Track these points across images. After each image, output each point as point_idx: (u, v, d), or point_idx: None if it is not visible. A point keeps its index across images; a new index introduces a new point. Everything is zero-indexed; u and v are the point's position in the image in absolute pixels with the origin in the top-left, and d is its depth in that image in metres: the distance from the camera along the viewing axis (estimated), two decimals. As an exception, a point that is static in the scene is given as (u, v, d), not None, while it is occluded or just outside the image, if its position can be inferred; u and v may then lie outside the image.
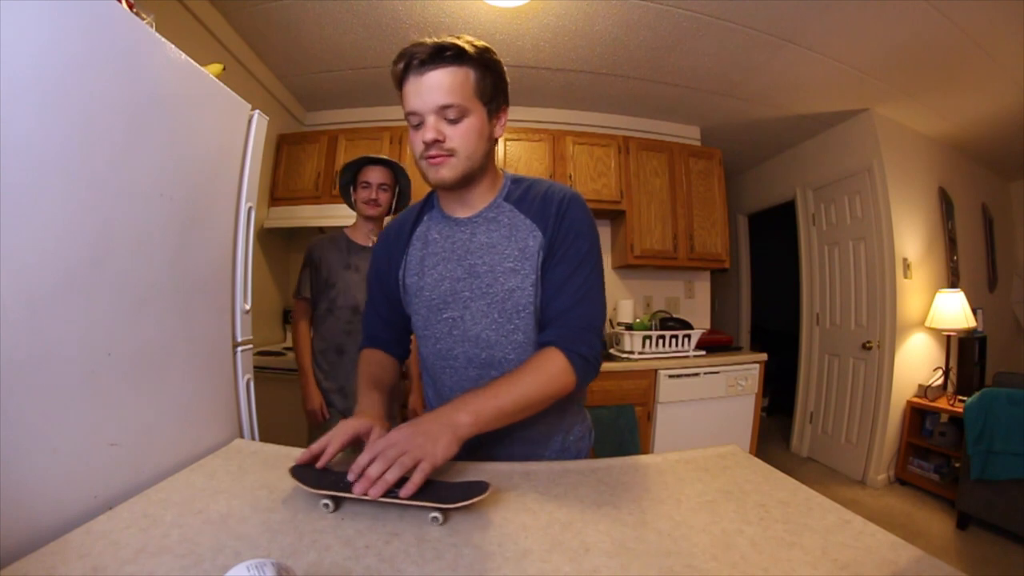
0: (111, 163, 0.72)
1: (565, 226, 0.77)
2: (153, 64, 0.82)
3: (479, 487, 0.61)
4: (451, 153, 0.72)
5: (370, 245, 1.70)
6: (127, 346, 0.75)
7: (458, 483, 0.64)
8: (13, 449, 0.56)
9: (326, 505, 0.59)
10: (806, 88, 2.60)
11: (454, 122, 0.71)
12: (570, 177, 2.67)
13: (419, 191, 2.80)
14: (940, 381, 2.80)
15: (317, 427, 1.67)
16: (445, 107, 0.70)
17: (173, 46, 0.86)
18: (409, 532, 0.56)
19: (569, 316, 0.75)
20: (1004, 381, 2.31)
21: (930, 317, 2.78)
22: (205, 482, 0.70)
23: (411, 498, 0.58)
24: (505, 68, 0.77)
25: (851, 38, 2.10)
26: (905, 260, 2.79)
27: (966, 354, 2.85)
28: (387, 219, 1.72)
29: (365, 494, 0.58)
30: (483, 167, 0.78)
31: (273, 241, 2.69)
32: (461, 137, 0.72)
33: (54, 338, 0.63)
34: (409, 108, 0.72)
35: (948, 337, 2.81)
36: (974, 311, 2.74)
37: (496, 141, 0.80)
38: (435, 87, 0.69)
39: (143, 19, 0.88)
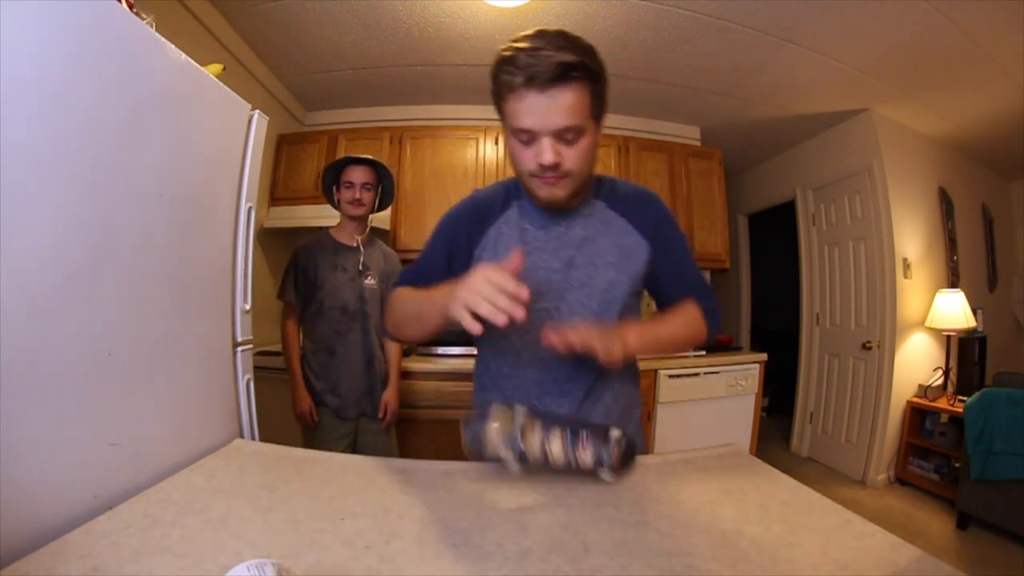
0: (111, 163, 0.72)
1: (663, 222, 0.85)
2: (153, 64, 0.82)
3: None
4: (567, 175, 0.70)
5: (355, 245, 1.71)
6: (127, 346, 0.75)
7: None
8: (13, 449, 0.56)
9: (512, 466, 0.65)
10: (806, 88, 2.60)
11: (571, 143, 0.68)
12: (570, 177, 2.67)
13: (406, 190, 2.74)
14: (940, 381, 2.80)
15: (307, 429, 1.68)
16: (565, 129, 0.66)
17: (173, 46, 0.86)
18: (409, 532, 0.56)
19: (694, 286, 0.86)
20: (1004, 381, 2.31)
21: (930, 317, 2.78)
22: (205, 482, 0.70)
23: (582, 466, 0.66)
24: (607, 72, 0.74)
25: (851, 38, 2.10)
26: (905, 260, 2.79)
27: (966, 354, 2.85)
28: (370, 217, 1.77)
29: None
30: (588, 177, 0.77)
31: (273, 241, 2.68)
32: (578, 158, 0.70)
33: (54, 338, 0.63)
34: (522, 125, 0.67)
35: (948, 337, 2.81)
36: (974, 311, 2.74)
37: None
38: (558, 109, 0.64)
39: (143, 19, 0.88)
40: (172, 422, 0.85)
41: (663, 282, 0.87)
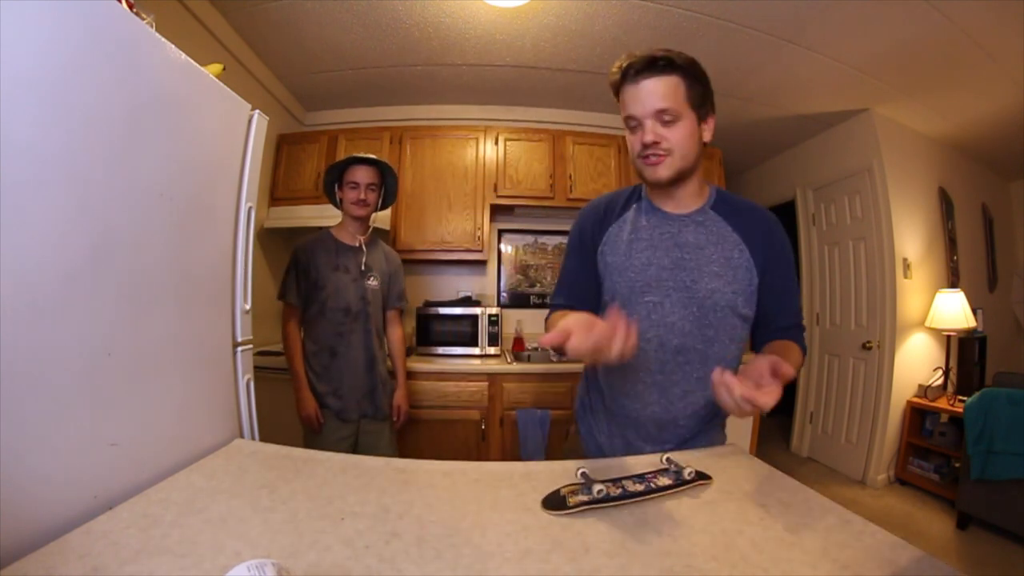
0: (111, 163, 0.72)
1: (777, 246, 0.89)
2: (153, 64, 0.82)
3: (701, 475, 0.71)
4: (667, 153, 0.80)
5: (357, 245, 1.68)
6: (127, 346, 0.75)
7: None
8: (13, 449, 0.56)
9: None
10: (806, 88, 2.59)
11: (669, 123, 0.79)
12: (570, 177, 2.67)
13: (406, 190, 2.75)
14: (940, 381, 2.80)
15: (312, 432, 1.66)
16: (661, 111, 0.78)
17: (173, 46, 0.86)
18: (409, 532, 0.56)
19: (795, 318, 0.91)
20: (1004, 381, 2.31)
21: (930, 317, 2.78)
22: (205, 482, 0.70)
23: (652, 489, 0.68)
24: (706, 77, 0.84)
25: (851, 38, 2.10)
26: (905, 260, 2.79)
27: (966, 354, 2.85)
28: (372, 216, 1.74)
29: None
30: (693, 168, 0.85)
31: (273, 241, 2.69)
32: (676, 138, 0.80)
33: (55, 338, 0.63)
34: (627, 113, 0.82)
35: (948, 337, 2.81)
36: (974, 311, 2.74)
37: (704, 145, 0.86)
38: (651, 93, 0.78)
39: (143, 19, 0.88)
40: (172, 422, 0.85)
41: (764, 304, 0.89)
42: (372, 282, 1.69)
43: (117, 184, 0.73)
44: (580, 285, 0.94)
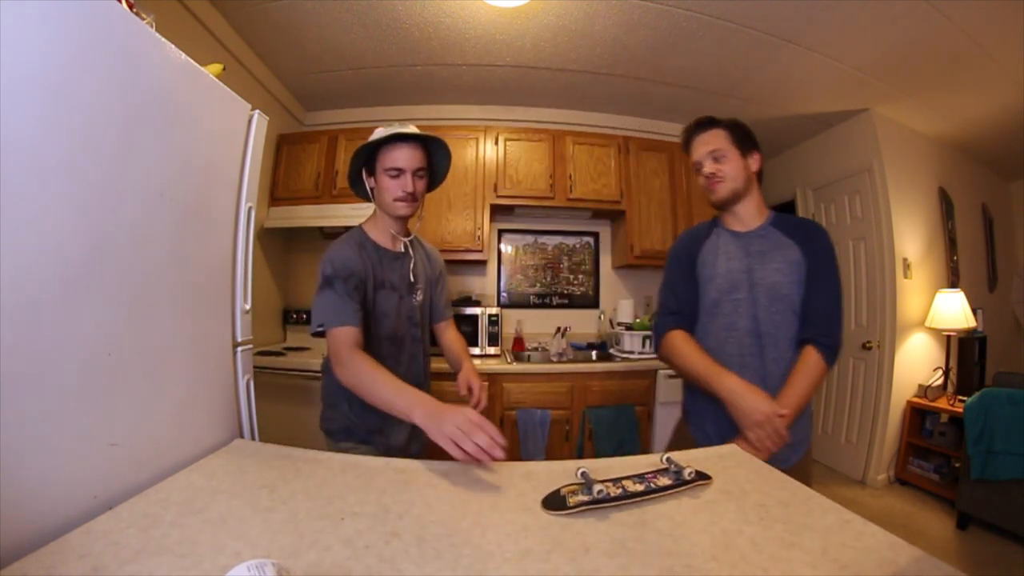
0: (111, 163, 0.72)
1: (820, 249, 1.12)
2: (153, 64, 0.82)
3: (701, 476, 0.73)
4: (722, 179, 1.15)
5: (402, 250, 1.23)
6: (127, 346, 0.75)
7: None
8: (13, 449, 0.56)
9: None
10: (806, 88, 2.60)
11: (719, 160, 1.15)
12: (570, 177, 2.67)
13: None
14: (940, 381, 2.80)
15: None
16: (713, 151, 1.16)
17: (173, 46, 0.86)
18: (409, 532, 0.56)
19: (822, 311, 1.10)
20: (1004, 381, 2.31)
21: (930, 317, 2.78)
22: (205, 482, 0.70)
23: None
24: (746, 127, 1.21)
25: (851, 38, 2.10)
26: (905, 260, 2.79)
27: (966, 354, 2.85)
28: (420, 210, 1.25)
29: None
30: (746, 189, 1.16)
31: (273, 241, 2.69)
32: (727, 170, 1.14)
33: (55, 338, 0.62)
34: (693, 159, 1.21)
35: (948, 337, 2.81)
36: (974, 311, 2.74)
37: (754, 174, 1.18)
38: (703, 142, 1.18)
39: (143, 19, 0.88)
40: (172, 422, 0.85)
41: (804, 299, 1.10)
42: (419, 297, 1.27)
43: (117, 184, 0.73)
44: (686, 293, 1.21)
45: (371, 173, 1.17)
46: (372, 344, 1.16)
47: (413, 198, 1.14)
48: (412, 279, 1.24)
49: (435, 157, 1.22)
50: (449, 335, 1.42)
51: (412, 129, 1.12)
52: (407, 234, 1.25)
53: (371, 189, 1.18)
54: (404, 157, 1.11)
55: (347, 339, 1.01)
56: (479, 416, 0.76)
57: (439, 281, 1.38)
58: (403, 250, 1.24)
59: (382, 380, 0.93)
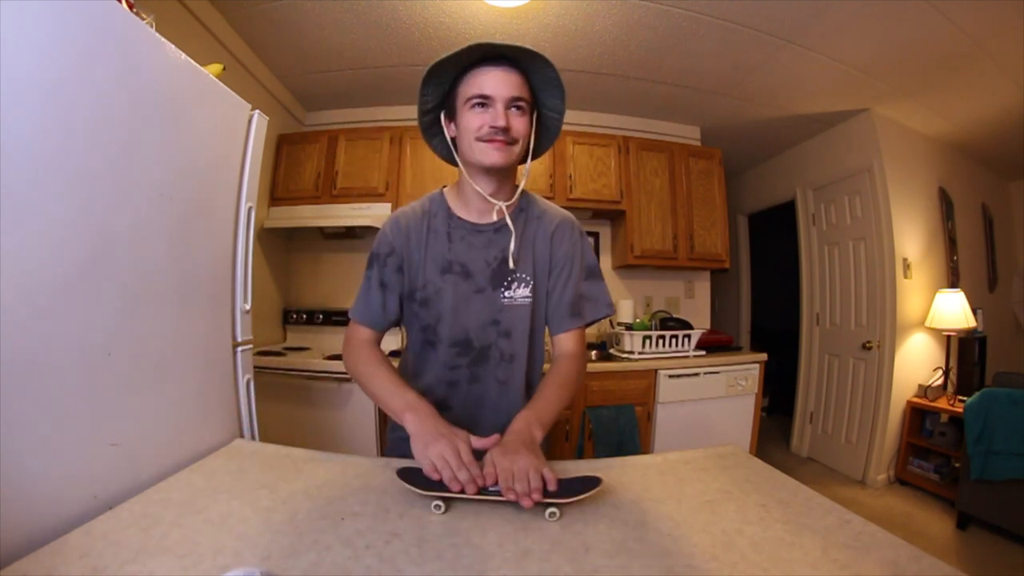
0: (111, 163, 0.72)
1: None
2: (153, 64, 0.82)
3: (592, 482, 0.65)
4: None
5: (494, 221, 0.87)
6: (127, 346, 0.75)
7: (569, 479, 0.66)
8: (13, 449, 0.56)
9: (437, 507, 0.62)
10: (806, 88, 2.59)
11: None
12: (570, 177, 2.67)
13: (406, 190, 2.74)
14: (940, 381, 2.80)
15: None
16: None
17: (173, 46, 0.86)
18: (409, 532, 0.56)
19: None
20: (1004, 381, 2.31)
21: (930, 317, 2.78)
22: (205, 482, 0.70)
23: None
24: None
25: (851, 38, 2.09)
26: (905, 260, 2.79)
27: (966, 354, 2.85)
28: (521, 168, 0.89)
29: (476, 492, 0.63)
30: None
31: (273, 241, 2.69)
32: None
33: (54, 338, 0.63)
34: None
35: (948, 337, 2.81)
36: (974, 311, 2.74)
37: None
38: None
39: (143, 19, 0.88)
40: (172, 422, 0.85)
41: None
42: (516, 292, 0.89)
43: (117, 184, 0.73)
44: None
45: (451, 117, 0.83)
46: (433, 351, 0.90)
47: (507, 137, 0.78)
48: (509, 265, 0.87)
49: (541, 94, 0.83)
50: (560, 361, 0.91)
51: (508, 42, 0.75)
52: (508, 197, 0.87)
53: (452, 140, 0.85)
54: (491, 81, 0.77)
55: (360, 334, 0.90)
56: (470, 455, 0.66)
57: (565, 269, 0.91)
58: (496, 222, 0.87)
59: (382, 375, 0.81)
